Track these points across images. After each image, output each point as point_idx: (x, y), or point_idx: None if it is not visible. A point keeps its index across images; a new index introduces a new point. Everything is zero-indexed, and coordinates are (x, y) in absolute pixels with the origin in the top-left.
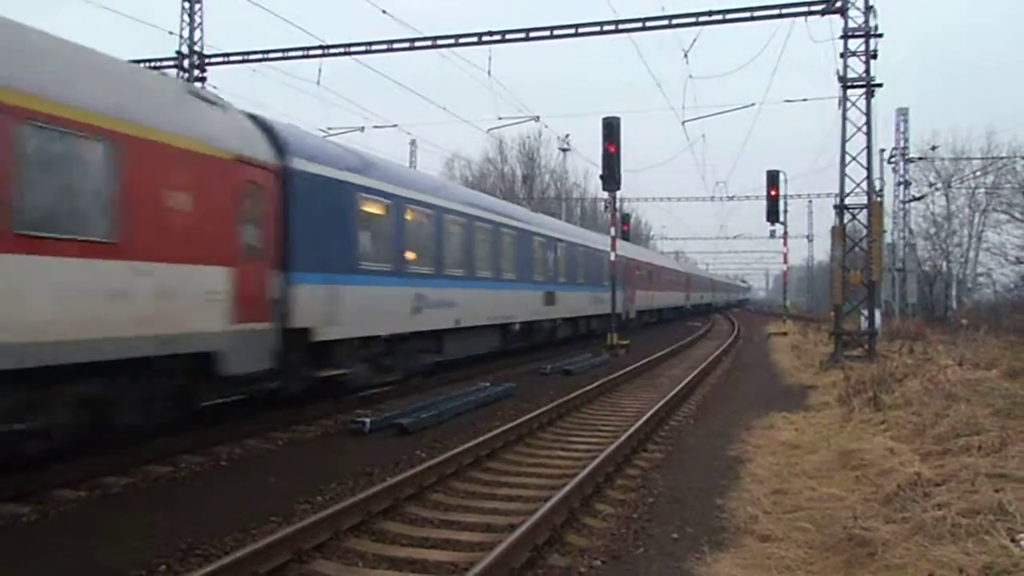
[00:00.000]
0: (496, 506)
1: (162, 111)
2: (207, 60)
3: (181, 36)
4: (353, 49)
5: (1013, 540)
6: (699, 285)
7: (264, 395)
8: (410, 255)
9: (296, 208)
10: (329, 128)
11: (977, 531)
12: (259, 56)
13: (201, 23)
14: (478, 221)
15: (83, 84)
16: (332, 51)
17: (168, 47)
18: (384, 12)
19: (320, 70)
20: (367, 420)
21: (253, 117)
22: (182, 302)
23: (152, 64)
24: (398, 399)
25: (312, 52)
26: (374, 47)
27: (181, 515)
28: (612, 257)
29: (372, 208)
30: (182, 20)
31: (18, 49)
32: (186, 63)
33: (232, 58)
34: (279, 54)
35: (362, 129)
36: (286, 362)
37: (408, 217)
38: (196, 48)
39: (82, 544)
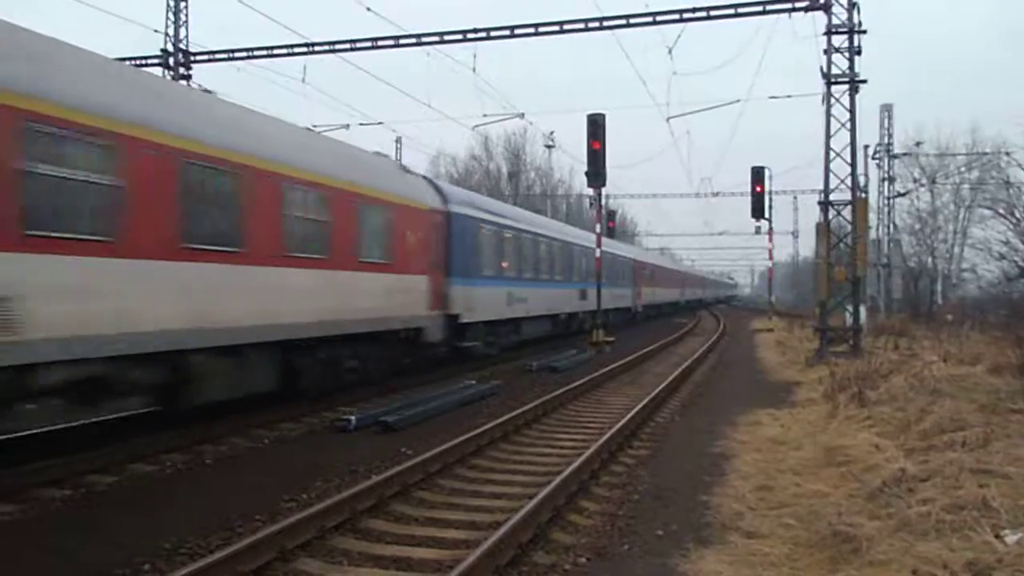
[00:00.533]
0: (481, 503)
1: (400, 185)
2: (192, 58)
3: (166, 34)
4: (338, 47)
5: (997, 536)
6: (692, 282)
7: (432, 358)
8: (504, 264)
9: (452, 236)
10: (314, 125)
11: (961, 527)
12: (244, 54)
13: (187, 21)
14: (540, 237)
15: (383, 178)
16: (317, 49)
17: (153, 45)
18: (369, 10)
19: (305, 67)
20: (352, 418)
21: (427, 178)
22: (413, 296)
23: (138, 62)
24: (383, 397)
25: (297, 50)
26: (359, 44)
27: (166, 514)
28: (597, 254)
29: (486, 233)
30: (167, 18)
31: (357, 161)
32: (171, 61)
33: (217, 56)
34: (264, 52)
35: (347, 127)
36: (447, 335)
37: (503, 236)
38: (181, 46)
39: (66, 543)
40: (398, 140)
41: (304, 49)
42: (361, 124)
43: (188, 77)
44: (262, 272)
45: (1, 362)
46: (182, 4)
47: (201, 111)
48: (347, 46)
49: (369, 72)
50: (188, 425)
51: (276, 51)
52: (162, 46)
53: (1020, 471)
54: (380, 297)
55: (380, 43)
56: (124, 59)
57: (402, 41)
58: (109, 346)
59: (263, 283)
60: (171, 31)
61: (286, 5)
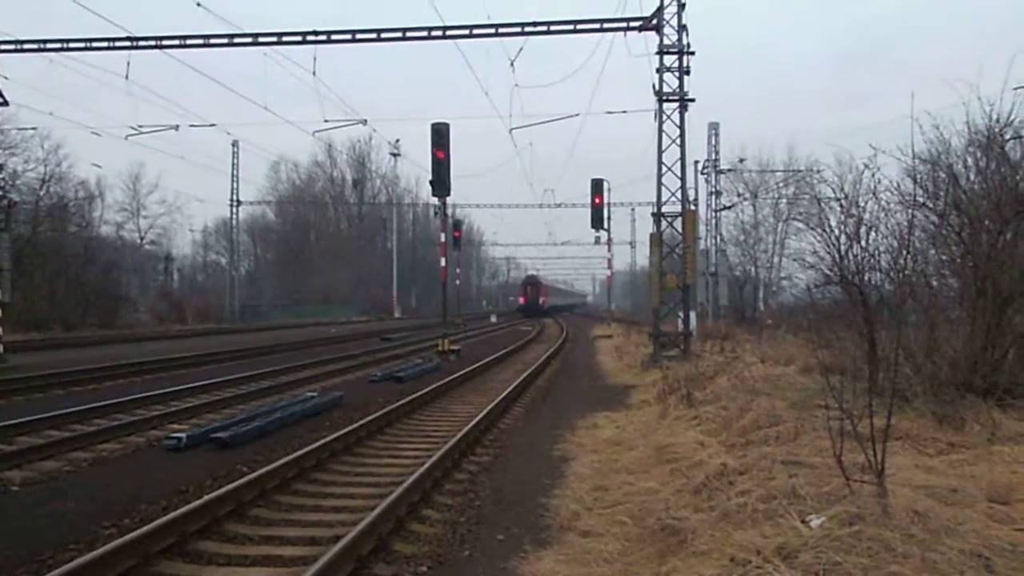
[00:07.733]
0: (321, 518)
1: (572, 290)
2: None
3: None
4: (165, 43)
5: (803, 521)
6: (568, 294)
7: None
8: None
9: (569, 295)
10: (140, 126)
11: (773, 515)
12: (58, 45)
13: None
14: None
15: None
16: (142, 44)
17: None
18: (199, 5)
19: (129, 63)
20: (182, 435)
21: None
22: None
23: None
24: (217, 412)
25: (119, 44)
26: (189, 41)
27: None
28: (443, 263)
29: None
30: None
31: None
32: None
33: (26, 46)
34: (82, 44)
35: (176, 128)
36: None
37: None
38: None
39: None
40: (235, 144)
41: (127, 43)
42: (192, 126)
43: None
44: (557, 299)
45: (570, 302)
46: None
47: (558, 287)
48: (176, 42)
49: (201, 71)
50: None
51: (95, 44)
52: None
53: (823, 460)
54: (570, 299)
55: (212, 41)
56: None
57: (237, 40)
58: (568, 302)
59: (556, 300)
60: None
61: None
